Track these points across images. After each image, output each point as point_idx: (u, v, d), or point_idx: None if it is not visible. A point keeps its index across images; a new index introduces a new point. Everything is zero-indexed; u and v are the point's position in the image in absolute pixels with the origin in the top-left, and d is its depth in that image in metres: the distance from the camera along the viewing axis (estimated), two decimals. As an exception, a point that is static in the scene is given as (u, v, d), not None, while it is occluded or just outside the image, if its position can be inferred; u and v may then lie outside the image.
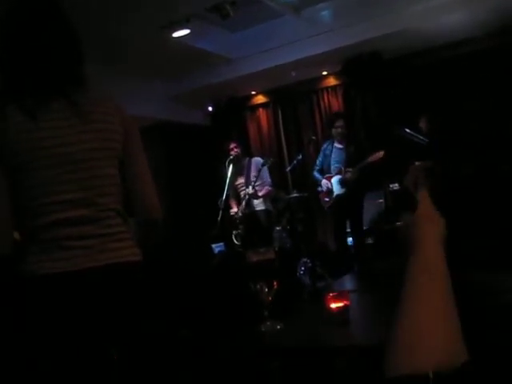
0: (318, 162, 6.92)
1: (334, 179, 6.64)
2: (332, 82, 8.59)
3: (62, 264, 1.70)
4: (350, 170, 6.45)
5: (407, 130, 5.36)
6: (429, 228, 0.82)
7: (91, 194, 1.78)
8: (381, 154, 6.31)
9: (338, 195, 6.59)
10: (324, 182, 6.69)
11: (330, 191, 6.65)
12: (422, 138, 5.18)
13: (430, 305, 0.71)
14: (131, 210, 1.95)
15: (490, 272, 1.31)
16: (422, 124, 6.10)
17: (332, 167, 6.70)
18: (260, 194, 6.56)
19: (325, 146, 6.86)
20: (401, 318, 0.71)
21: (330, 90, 8.62)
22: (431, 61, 7.52)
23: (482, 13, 6.45)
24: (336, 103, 8.54)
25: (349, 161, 6.57)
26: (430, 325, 0.68)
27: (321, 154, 6.89)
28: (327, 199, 6.71)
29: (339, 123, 6.69)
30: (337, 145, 6.75)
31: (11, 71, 1.81)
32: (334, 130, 6.72)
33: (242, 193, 6.68)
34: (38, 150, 1.71)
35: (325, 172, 6.77)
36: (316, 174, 6.87)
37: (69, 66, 1.85)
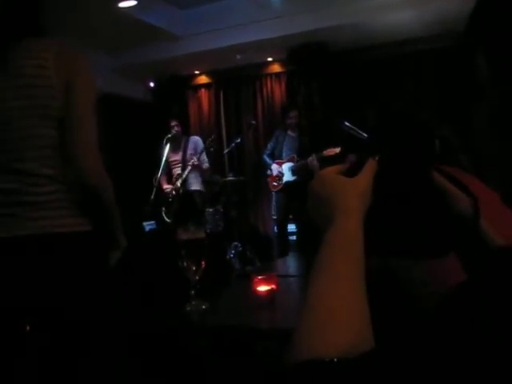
0: (269, 146, 7.13)
1: (286, 166, 6.85)
2: (276, 68, 8.60)
3: None
4: (313, 156, 6.55)
5: (347, 124, 5.46)
6: (355, 199, 0.76)
7: (10, 159, 1.66)
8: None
9: (287, 181, 6.78)
10: (275, 166, 6.88)
11: (280, 176, 6.81)
12: (360, 132, 5.28)
13: (339, 287, 0.66)
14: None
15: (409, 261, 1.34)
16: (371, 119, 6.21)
17: (284, 154, 6.92)
18: (203, 167, 6.54)
19: (278, 132, 7.03)
20: (307, 299, 0.67)
21: (273, 76, 8.64)
22: (376, 56, 7.65)
23: (427, 15, 6.60)
24: (279, 90, 8.57)
25: (301, 149, 6.75)
26: (336, 308, 0.63)
27: (273, 139, 7.09)
28: (275, 183, 6.88)
29: (293, 113, 6.89)
30: (290, 133, 6.96)
31: None
32: (288, 121, 6.91)
33: (175, 170, 6.62)
34: None
35: (275, 157, 6.95)
36: (266, 158, 7.06)
37: (9, 20, 1.72)
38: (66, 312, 1.71)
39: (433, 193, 0.79)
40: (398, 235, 0.80)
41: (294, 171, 6.80)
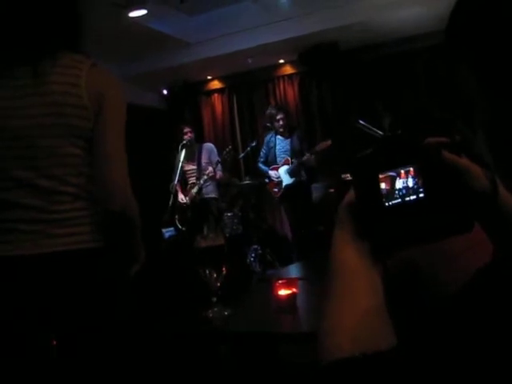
0: (262, 154, 7.11)
1: (282, 169, 6.80)
2: (288, 70, 8.59)
3: (5, 247, 1.63)
4: (307, 154, 6.56)
5: (362, 122, 5.42)
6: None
7: (35, 175, 1.64)
8: (328, 142, 6.50)
9: (286, 185, 6.76)
10: (273, 172, 6.84)
11: (279, 182, 6.79)
12: (376, 130, 5.24)
13: (348, 302, 0.68)
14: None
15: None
16: (386, 121, 6.18)
17: (278, 158, 6.88)
18: (217, 176, 6.54)
19: (267, 138, 7.06)
20: (324, 311, 0.69)
21: (286, 78, 8.62)
22: (388, 54, 7.60)
23: (437, 9, 6.54)
24: (292, 92, 8.55)
25: (294, 151, 6.73)
26: (352, 316, 0.65)
27: (264, 147, 7.07)
28: (276, 189, 6.85)
29: (280, 116, 6.89)
30: (280, 136, 6.94)
31: None
32: (276, 124, 6.91)
33: (191, 179, 6.63)
34: None
35: (269, 163, 6.94)
36: (261, 166, 7.04)
37: (44, 33, 1.70)
38: (88, 325, 1.69)
39: (446, 171, 0.77)
40: (415, 222, 0.78)
41: (290, 173, 6.77)
